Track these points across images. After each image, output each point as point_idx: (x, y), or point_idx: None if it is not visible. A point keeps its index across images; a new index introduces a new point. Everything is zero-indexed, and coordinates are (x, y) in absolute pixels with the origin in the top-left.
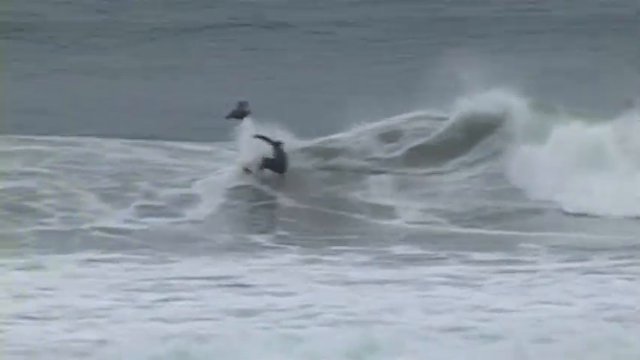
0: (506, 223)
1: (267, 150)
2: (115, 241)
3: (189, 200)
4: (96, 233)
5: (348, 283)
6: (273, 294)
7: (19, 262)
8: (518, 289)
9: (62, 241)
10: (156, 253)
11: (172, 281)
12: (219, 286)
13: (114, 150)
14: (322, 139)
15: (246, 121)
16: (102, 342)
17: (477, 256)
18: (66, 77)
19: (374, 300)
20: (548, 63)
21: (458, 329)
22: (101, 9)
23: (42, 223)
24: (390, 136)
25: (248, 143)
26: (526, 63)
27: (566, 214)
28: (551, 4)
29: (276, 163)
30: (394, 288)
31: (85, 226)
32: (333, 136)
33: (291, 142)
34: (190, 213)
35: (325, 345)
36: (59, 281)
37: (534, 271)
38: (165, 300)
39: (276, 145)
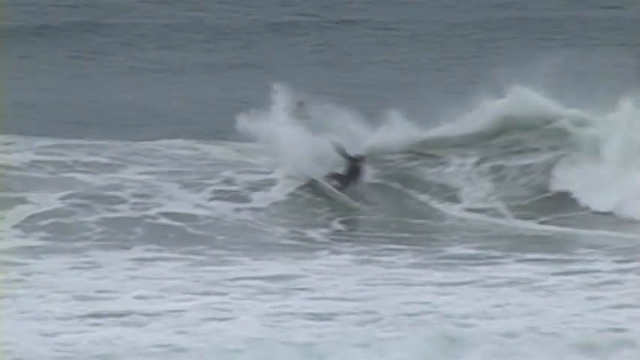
0: (563, 214)
1: (340, 162)
2: (176, 232)
3: (261, 185)
4: (161, 221)
5: (408, 285)
6: (337, 298)
7: (77, 261)
8: (582, 291)
9: (125, 232)
10: (212, 250)
11: (230, 282)
12: (281, 289)
13: (175, 147)
14: (404, 128)
15: (282, 116)
16: (171, 346)
17: (534, 255)
18: (133, 75)
19: (441, 304)
20: (616, 61)
21: (532, 332)
22: (172, 7)
23: (112, 210)
24: (468, 123)
25: (293, 143)
26: (593, 60)
27: (619, 216)
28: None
29: (349, 180)
30: (457, 290)
31: (153, 211)
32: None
33: (372, 134)
34: (257, 197)
35: (401, 350)
36: (117, 283)
37: (594, 272)
38: (228, 303)
39: (355, 160)
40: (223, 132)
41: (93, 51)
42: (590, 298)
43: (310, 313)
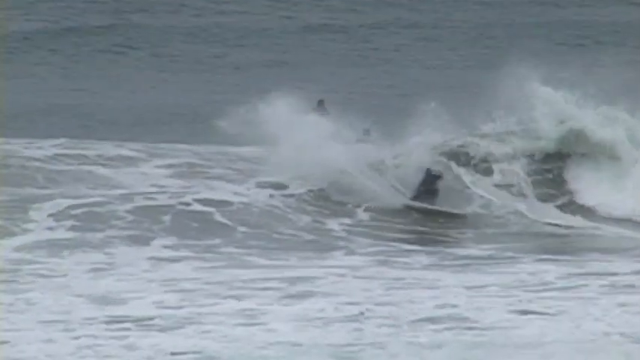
0: (578, 197)
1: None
2: (201, 221)
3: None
4: (193, 207)
5: (430, 288)
6: (358, 302)
7: (93, 258)
8: (604, 295)
9: (150, 222)
10: (230, 247)
11: (248, 285)
12: (302, 292)
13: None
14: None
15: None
16: (200, 353)
17: (551, 256)
18: (160, 74)
19: (467, 307)
20: None
21: (565, 336)
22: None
23: (149, 198)
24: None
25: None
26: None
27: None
28: None
29: (429, 196)
30: (480, 293)
31: (187, 198)
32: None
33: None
34: (295, 185)
35: (432, 356)
36: (135, 284)
37: (612, 275)
38: (253, 309)
39: (436, 177)
40: (250, 133)
41: (120, 46)
42: (618, 303)
43: (332, 317)
